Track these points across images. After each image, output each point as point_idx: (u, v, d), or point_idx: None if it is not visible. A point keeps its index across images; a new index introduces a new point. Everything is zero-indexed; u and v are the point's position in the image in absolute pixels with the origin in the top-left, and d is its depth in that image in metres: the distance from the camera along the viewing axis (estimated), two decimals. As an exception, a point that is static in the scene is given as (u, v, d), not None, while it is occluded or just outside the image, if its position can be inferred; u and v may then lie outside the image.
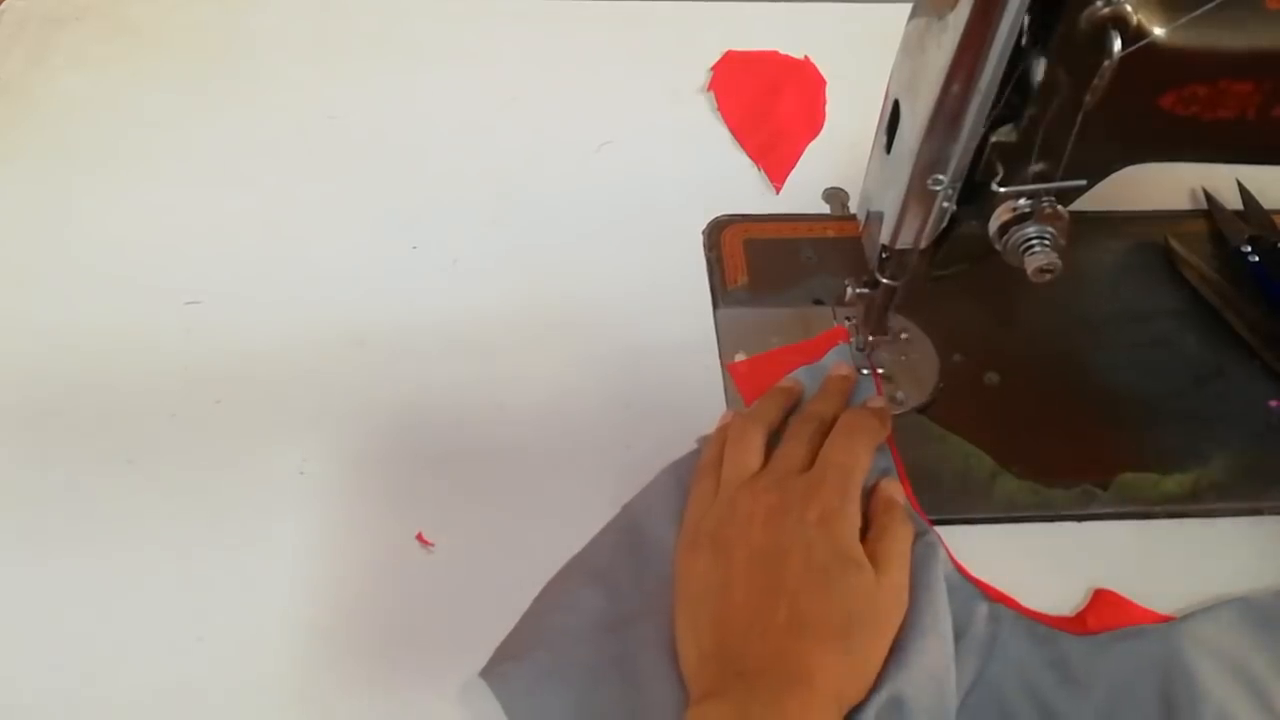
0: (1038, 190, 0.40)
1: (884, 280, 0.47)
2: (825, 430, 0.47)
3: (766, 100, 0.67)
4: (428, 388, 0.53)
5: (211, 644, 0.44)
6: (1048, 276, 0.41)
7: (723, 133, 0.66)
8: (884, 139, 0.43)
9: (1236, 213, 0.60)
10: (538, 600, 0.45)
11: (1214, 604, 0.45)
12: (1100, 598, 0.46)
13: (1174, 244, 0.58)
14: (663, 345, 0.54)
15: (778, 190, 0.62)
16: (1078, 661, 0.43)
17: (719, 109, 0.67)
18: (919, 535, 0.45)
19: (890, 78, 0.42)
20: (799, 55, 0.70)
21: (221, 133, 0.64)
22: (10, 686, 0.43)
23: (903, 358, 0.53)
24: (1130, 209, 0.61)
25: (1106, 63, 0.35)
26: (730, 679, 0.39)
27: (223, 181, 0.62)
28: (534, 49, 0.70)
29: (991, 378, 0.53)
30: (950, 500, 0.49)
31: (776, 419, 0.49)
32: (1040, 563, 0.47)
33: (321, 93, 0.67)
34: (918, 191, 0.41)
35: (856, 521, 0.43)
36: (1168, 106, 0.38)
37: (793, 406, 0.50)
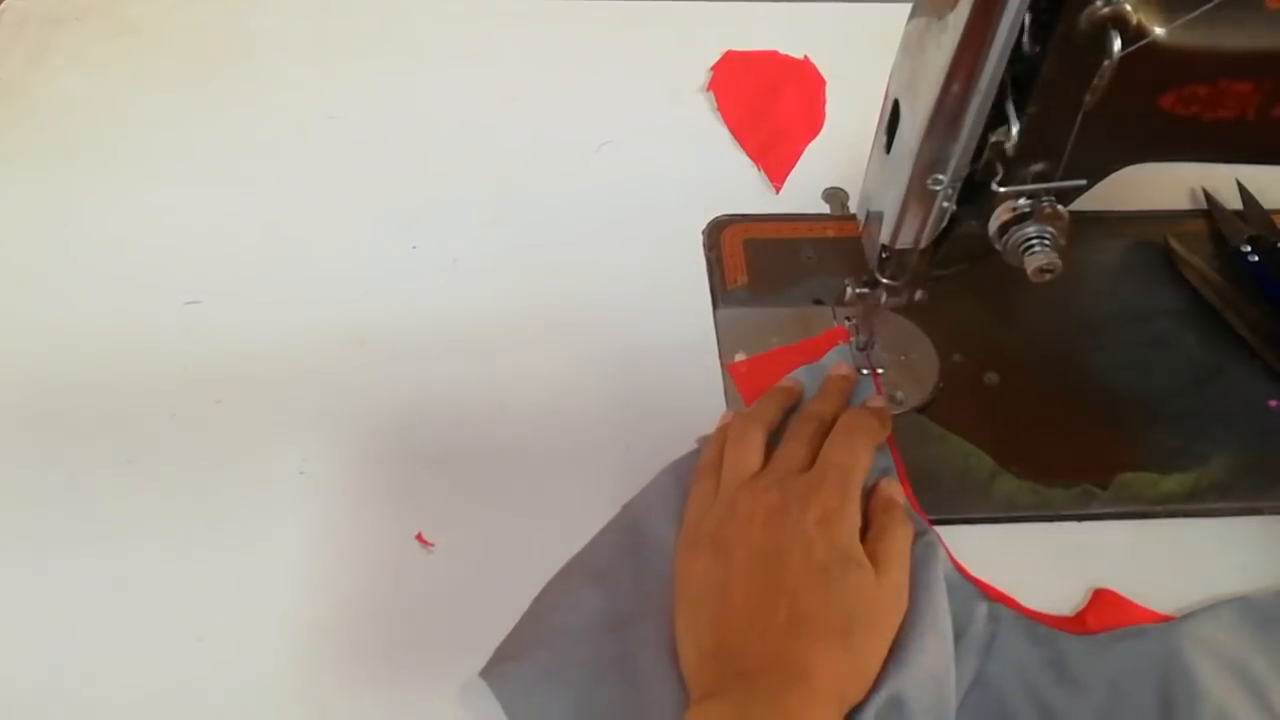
0: (1037, 190, 0.40)
1: (884, 280, 0.47)
2: (825, 430, 0.47)
3: (766, 100, 0.67)
4: (428, 388, 0.53)
5: (211, 644, 0.44)
6: (1048, 276, 0.41)
7: (723, 133, 0.66)
8: (884, 139, 0.43)
9: (1236, 213, 0.60)
10: (538, 600, 0.45)
11: (1214, 604, 0.45)
12: (1100, 597, 0.46)
13: (1174, 244, 0.58)
14: (663, 345, 0.54)
15: (778, 190, 0.62)
16: (1077, 661, 0.43)
17: (719, 109, 0.67)
18: (919, 535, 0.45)
19: (890, 78, 0.42)
20: (799, 55, 0.70)
21: (221, 133, 0.64)
22: (10, 686, 0.43)
23: (902, 358, 0.53)
24: (1130, 209, 0.61)
25: (1106, 63, 0.35)
26: (730, 679, 0.39)
27: (223, 181, 0.62)
28: (534, 49, 0.70)
29: (991, 378, 0.53)
30: (950, 500, 0.49)
31: (776, 419, 0.49)
32: (1040, 562, 0.47)
33: (321, 93, 0.67)
34: (918, 191, 0.41)
35: (856, 521, 0.43)
36: (1168, 106, 0.38)
37: (793, 406, 0.50)
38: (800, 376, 0.52)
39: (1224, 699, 0.42)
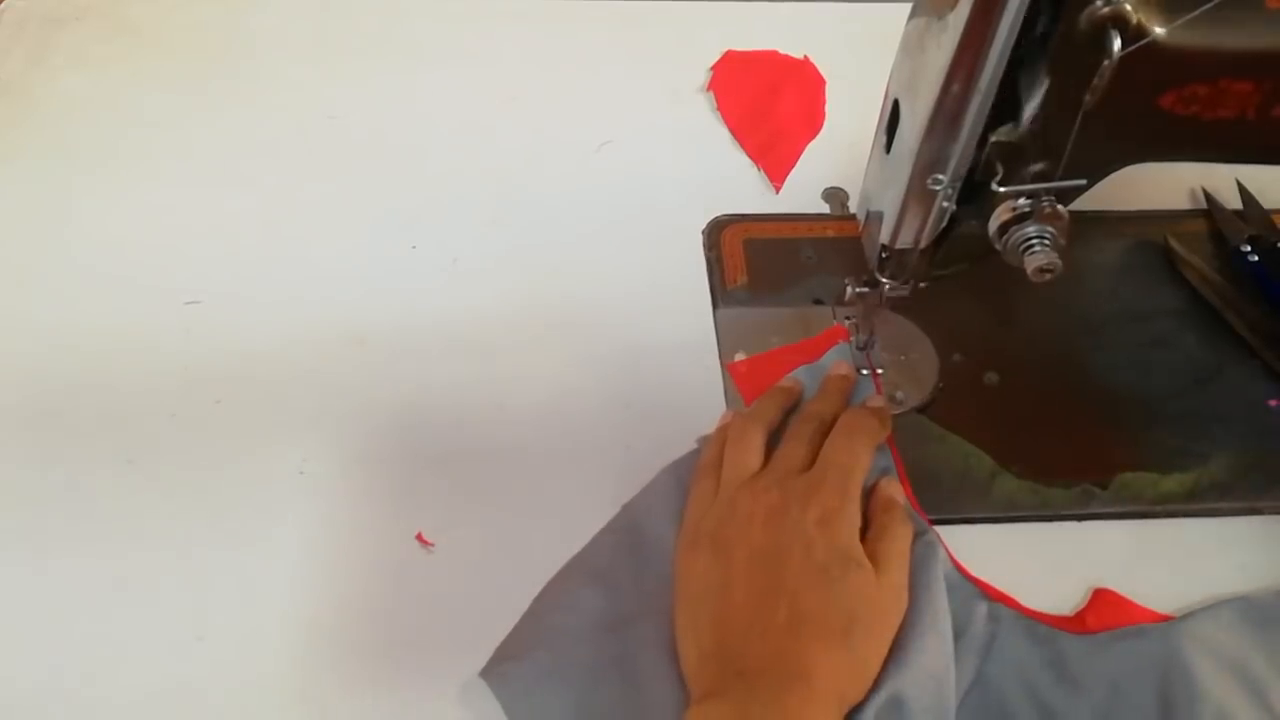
0: (1037, 190, 0.40)
1: (884, 280, 0.47)
2: (825, 430, 0.47)
3: (766, 100, 0.67)
4: (428, 388, 0.53)
5: (211, 644, 0.44)
6: (1048, 276, 0.41)
7: (723, 133, 0.66)
8: (884, 139, 0.43)
9: (1236, 212, 0.60)
10: (538, 600, 0.45)
11: (1213, 603, 0.45)
12: (1100, 597, 0.46)
13: (1174, 244, 0.58)
14: (663, 345, 0.54)
15: (777, 190, 0.62)
16: (1076, 661, 0.43)
17: (719, 109, 0.67)
18: (918, 535, 0.45)
19: (890, 77, 0.42)
20: (799, 55, 0.70)
21: (221, 133, 0.64)
22: (10, 686, 0.43)
23: (902, 357, 0.53)
24: (1130, 209, 0.61)
25: (1106, 63, 0.35)
26: (730, 678, 0.39)
27: (223, 181, 0.62)
28: (534, 49, 0.70)
29: (991, 378, 0.53)
30: (950, 500, 0.49)
31: (776, 419, 0.49)
32: (1040, 562, 0.47)
33: (321, 93, 0.67)
34: (917, 191, 0.41)
35: (857, 521, 0.43)
36: (1168, 106, 0.38)
37: (792, 406, 0.50)
38: (800, 376, 0.52)
39: (1224, 699, 0.42)
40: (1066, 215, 0.41)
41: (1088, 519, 0.49)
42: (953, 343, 0.54)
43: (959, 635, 0.43)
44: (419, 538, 0.47)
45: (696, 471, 0.47)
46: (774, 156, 0.64)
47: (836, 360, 0.52)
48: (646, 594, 0.44)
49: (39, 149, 0.63)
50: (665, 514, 0.47)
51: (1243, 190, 0.61)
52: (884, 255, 0.45)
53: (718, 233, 0.59)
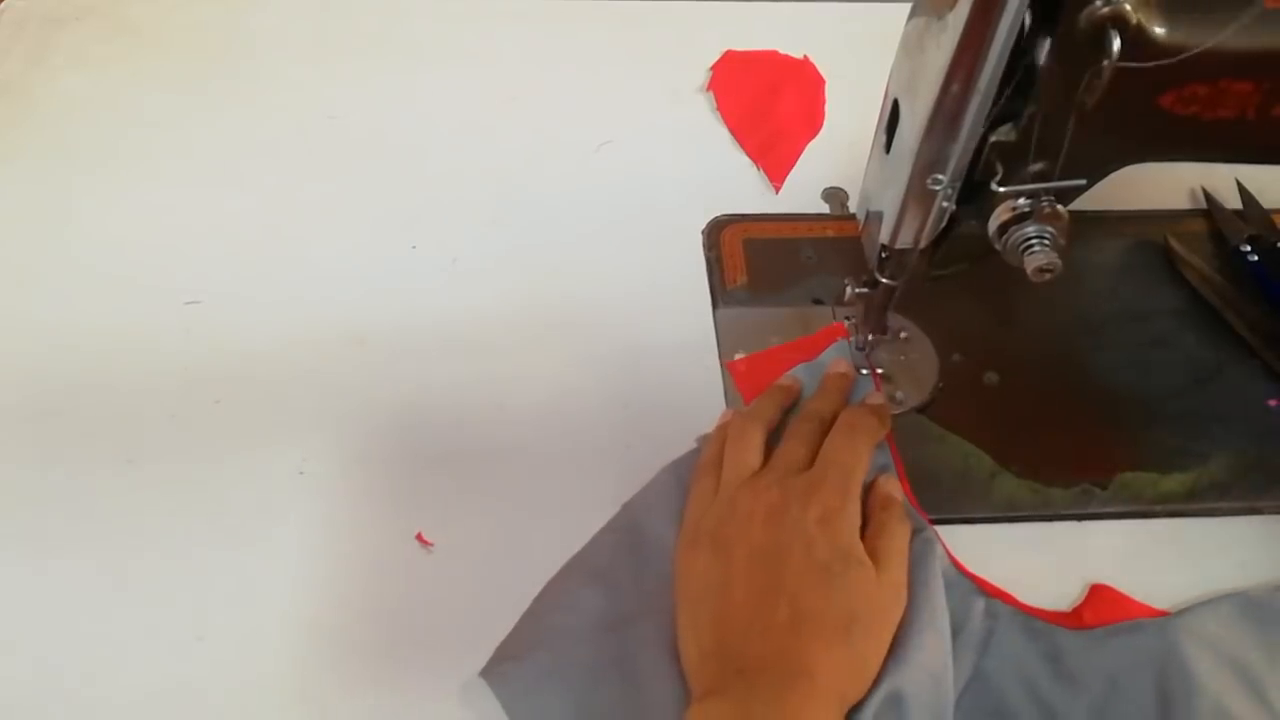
0: (1037, 190, 0.40)
1: (884, 280, 0.47)
2: (825, 429, 0.47)
3: (766, 100, 0.67)
4: (428, 388, 0.53)
5: (211, 644, 0.44)
6: (1047, 276, 0.41)
7: (722, 133, 0.66)
8: (884, 139, 0.43)
9: (1236, 212, 0.60)
10: (538, 600, 0.45)
11: (1211, 599, 0.45)
12: (1097, 593, 0.46)
13: (1174, 244, 0.59)
14: (663, 345, 0.54)
15: (777, 190, 0.62)
16: (1074, 656, 0.44)
17: (719, 109, 0.67)
18: (916, 532, 0.45)
19: (890, 77, 0.42)
20: (798, 55, 0.70)
21: (221, 133, 0.64)
22: (10, 686, 0.43)
23: (902, 357, 0.53)
24: (1130, 209, 0.61)
25: (1106, 63, 0.35)
26: (731, 677, 0.39)
27: (223, 181, 0.62)
28: (534, 49, 0.70)
29: (991, 377, 0.53)
30: (950, 500, 0.49)
31: (776, 417, 0.49)
32: (1039, 562, 0.47)
33: (321, 93, 0.67)
34: (917, 191, 0.41)
35: (857, 520, 0.43)
36: (1168, 106, 0.38)
37: (792, 404, 0.50)
38: (799, 374, 0.52)
39: (1221, 693, 0.42)
40: (1066, 215, 0.41)
41: (1087, 519, 0.49)
42: (953, 343, 0.54)
43: (957, 631, 0.43)
44: (419, 538, 0.47)
45: (696, 470, 0.47)
46: (774, 156, 0.64)
47: (835, 358, 0.52)
48: (646, 593, 0.44)
49: (39, 149, 0.63)
50: (665, 513, 0.47)
51: (1243, 190, 0.61)
52: (884, 255, 0.45)
53: (717, 233, 0.59)
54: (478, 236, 0.59)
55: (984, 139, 0.39)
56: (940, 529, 0.47)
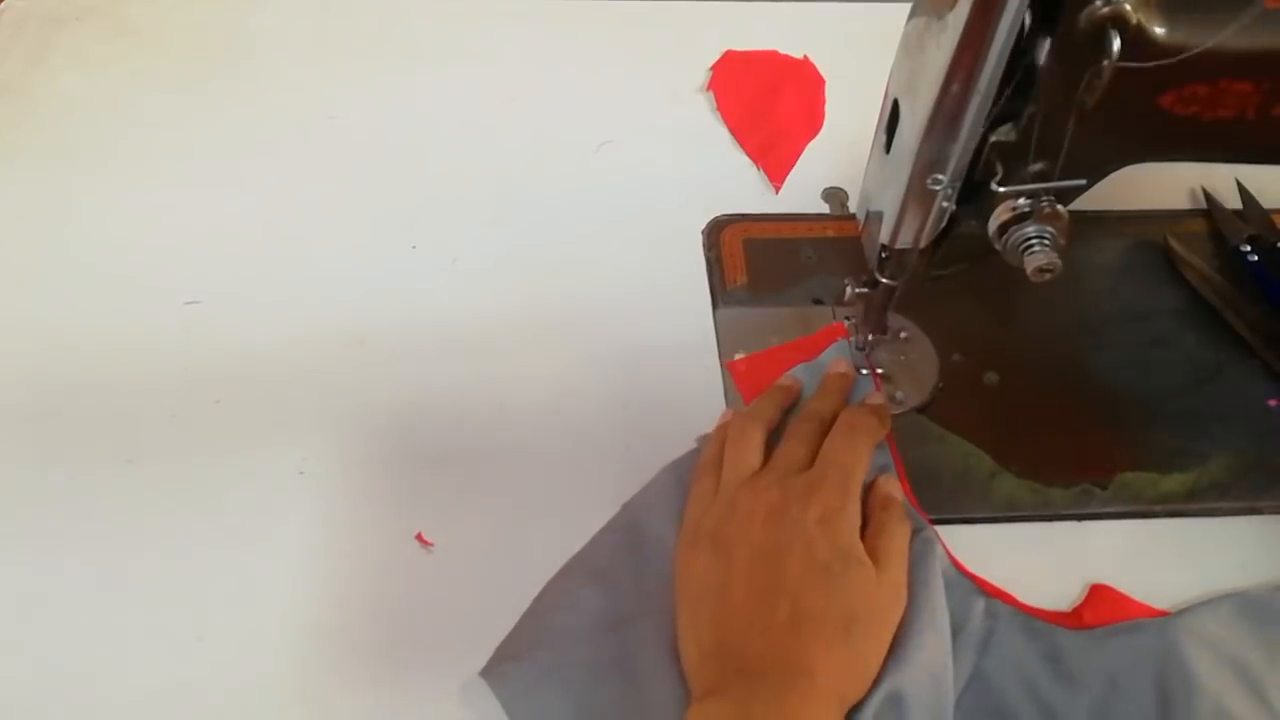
0: (1037, 190, 0.40)
1: (884, 280, 0.47)
2: (825, 429, 0.47)
3: (766, 100, 0.67)
4: (428, 388, 0.53)
5: (211, 644, 0.44)
6: (1047, 276, 0.41)
7: (722, 133, 0.66)
8: (884, 139, 0.43)
9: (1236, 212, 0.60)
10: (538, 600, 0.45)
11: (1211, 599, 0.45)
12: (1096, 593, 0.46)
13: (1173, 244, 0.59)
14: (663, 345, 0.54)
15: (777, 190, 0.62)
16: (1074, 656, 0.44)
17: (718, 109, 0.67)
18: (916, 532, 0.45)
19: (890, 77, 0.42)
20: (798, 55, 0.70)
21: (221, 133, 0.64)
22: (10, 686, 0.43)
23: (902, 357, 0.53)
24: (1130, 209, 0.61)
25: (1106, 63, 0.35)
26: (731, 676, 0.39)
27: (223, 181, 0.62)
28: (534, 49, 0.70)
29: (991, 377, 0.53)
30: (950, 500, 0.49)
31: (776, 417, 0.49)
32: (1039, 562, 0.47)
33: (321, 93, 0.67)
34: (917, 191, 0.41)
35: (857, 520, 0.43)
36: (1168, 106, 0.38)
37: (792, 404, 0.50)
38: (799, 374, 0.52)
39: (1221, 693, 0.42)
40: (1066, 215, 0.41)
41: (1087, 518, 0.49)
42: (953, 343, 0.54)
43: (957, 631, 0.43)
44: (419, 538, 0.47)
45: (696, 470, 0.47)
46: (774, 156, 0.64)
47: (835, 358, 0.52)
48: (646, 593, 0.44)
49: (39, 149, 0.63)
50: (665, 513, 0.47)
51: (1242, 190, 0.61)
52: (884, 255, 0.45)
53: (717, 233, 0.59)
54: (478, 236, 0.59)
55: (984, 139, 0.39)
56: (940, 529, 0.47)
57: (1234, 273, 0.57)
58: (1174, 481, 0.50)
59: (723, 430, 0.48)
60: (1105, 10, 0.35)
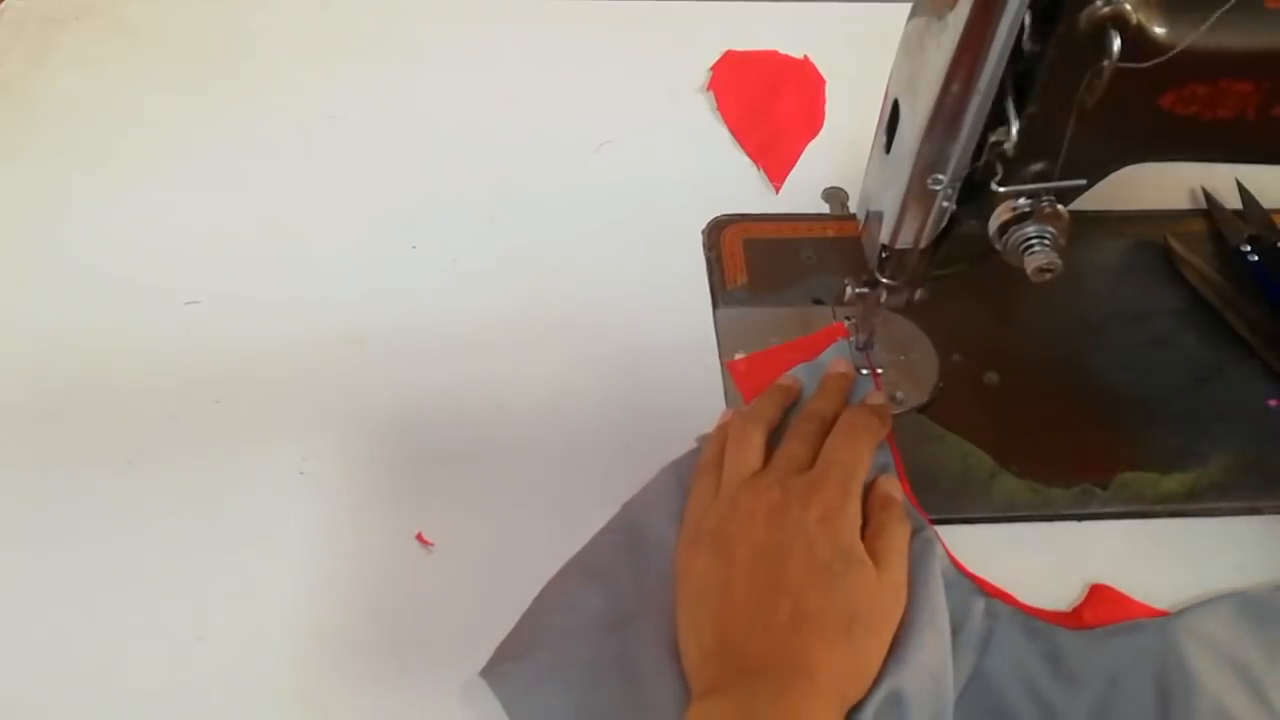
0: (1037, 190, 0.40)
1: (884, 280, 0.47)
2: (826, 428, 0.47)
3: (766, 100, 0.67)
4: (428, 388, 0.53)
5: (211, 644, 0.44)
6: (1048, 276, 0.41)
7: (722, 132, 0.66)
8: (884, 139, 0.43)
9: (1236, 212, 0.60)
10: (538, 600, 0.45)
11: (1210, 598, 0.45)
12: (1096, 593, 0.46)
13: (1174, 244, 0.59)
14: (663, 345, 0.54)
15: (777, 190, 0.62)
16: (1074, 656, 0.44)
17: (718, 109, 0.67)
18: (916, 532, 0.45)
19: (890, 77, 0.42)
20: (798, 55, 0.70)
21: (221, 133, 0.64)
22: (11, 686, 0.43)
23: (902, 357, 0.53)
24: (1130, 209, 0.61)
25: (1106, 63, 0.35)
26: (732, 675, 0.39)
27: (222, 181, 0.62)
28: (534, 49, 0.70)
29: (991, 377, 0.53)
30: (950, 500, 0.49)
31: (776, 417, 0.49)
32: (1039, 562, 0.47)
33: (321, 93, 0.67)
34: (917, 191, 0.41)
35: (858, 520, 0.43)
36: (1168, 106, 0.38)
37: (792, 404, 0.50)
38: (799, 374, 0.52)
39: (1221, 692, 0.42)
40: (1066, 215, 0.41)
41: (1087, 518, 0.49)
42: (953, 343, 0.54)
43: (957, 631, 0.43)
44: (419, 538, 0.47)
45: (697, 470, 0.47)
46: (774, 156, 0.64)
47: (835, 358, 0.52)
48: (647, 593, 0.44)
49: (39, 149, 0.63)
50: (665, 513, 0.47)
51: (1243, 190, 0.61)
52: (884, 255, 0.45)
53: (718, 233, 0.59)
54: (477, 236, 0.59)
55: (984, 139, 0.39)
56: (940, 529, 0.47)
57: (1234, 273, 0.57)
58: (1174, 481, 0.50)
59: (723, 430, 0.48)
60: (1105, 10, 0.35)
